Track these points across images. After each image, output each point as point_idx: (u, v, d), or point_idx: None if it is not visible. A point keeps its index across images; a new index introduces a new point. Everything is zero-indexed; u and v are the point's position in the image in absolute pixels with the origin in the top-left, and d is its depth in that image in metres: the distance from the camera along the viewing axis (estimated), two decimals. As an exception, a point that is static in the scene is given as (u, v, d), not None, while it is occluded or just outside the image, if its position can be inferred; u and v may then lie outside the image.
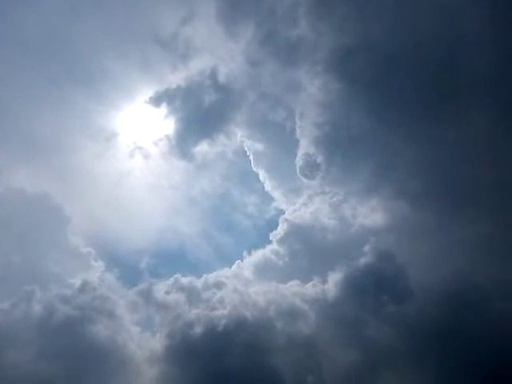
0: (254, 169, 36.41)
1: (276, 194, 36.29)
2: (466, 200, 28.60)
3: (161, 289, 30.92)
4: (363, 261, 28.01)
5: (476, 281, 25.11)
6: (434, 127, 30.26)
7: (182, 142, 36.42)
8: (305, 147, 32.63)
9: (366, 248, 28.53)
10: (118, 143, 41.29)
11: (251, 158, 36.28)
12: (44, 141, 41.51)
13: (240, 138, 36.89)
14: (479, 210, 28.10)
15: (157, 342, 28.54)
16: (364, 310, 26.11)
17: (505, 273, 24.97)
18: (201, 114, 36.02)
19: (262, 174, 36.21)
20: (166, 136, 37.97)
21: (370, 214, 30.58)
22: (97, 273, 32.93)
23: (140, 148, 39.79)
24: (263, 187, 36.68)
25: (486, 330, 23.53)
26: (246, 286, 31.00)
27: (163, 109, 37.16)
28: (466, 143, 29.47)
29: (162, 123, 38.72)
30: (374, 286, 26.59)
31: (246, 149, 36.46)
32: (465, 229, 27.76)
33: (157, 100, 36.73)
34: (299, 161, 32.78)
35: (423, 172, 30.26)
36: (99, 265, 33.75)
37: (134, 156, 39.96)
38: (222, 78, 35.76)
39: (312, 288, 28.64)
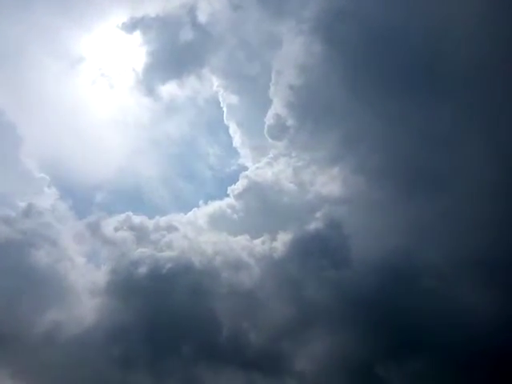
0: (226, 122, 35.90)
1: (243, 151, 36.28)
2: (419, 184, 29.97)
3: (110, 224, 30.88)
4: (313, 226, 29.22)
5: (411, 259, 26.92)
6: (405, 109, 30.90)
7: (150, 78, 34.95)
8: (276, 108, 32.47)
9: (318, 214, 29.69)
10: (82, 67, 39.16)
11: (224, 109, 35.68)
12: (1, 53, 38.42)
13: (216, 87, 36.02)
14: (428, 196, 29.56)
15: (100, 275, 28.88)
16: (305, 271, 27.60)
17: (437, 255, 26.94)
18: (174, 50, 34.51)
19: (233, 128, 35.85)
20: (133, 69, 36.33)
21: (329, 182, 31.41)
22: (50, 200, 32.20)
23: (105, 76, 38.02)
24: (231, 141, 36.46)
25: (412, 304, 25.62)
26: (198, 233, 31.56)
27: (136, 37, 35.30)
28: (431, 130, 30.44)
29: (131, 53, 36.88)
30: (318, 250, 28.03)
31: (221, 99, 35.71)
32: (411, 211, 29.23)
33: (130, 26, 34.79)
34: (269, 120, 32.73)
35: (386, 150, 31.18)
36: (53, 192, 32.96)
37: (97, 83, 38.19)
38: (201, 17, 34.23)
39: (261, 244, 29.69)
